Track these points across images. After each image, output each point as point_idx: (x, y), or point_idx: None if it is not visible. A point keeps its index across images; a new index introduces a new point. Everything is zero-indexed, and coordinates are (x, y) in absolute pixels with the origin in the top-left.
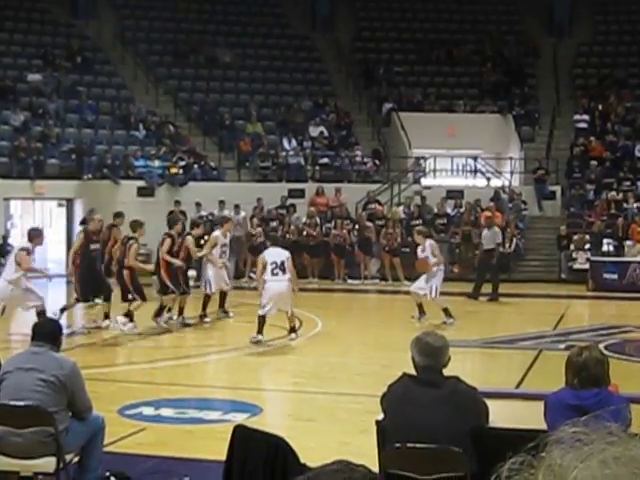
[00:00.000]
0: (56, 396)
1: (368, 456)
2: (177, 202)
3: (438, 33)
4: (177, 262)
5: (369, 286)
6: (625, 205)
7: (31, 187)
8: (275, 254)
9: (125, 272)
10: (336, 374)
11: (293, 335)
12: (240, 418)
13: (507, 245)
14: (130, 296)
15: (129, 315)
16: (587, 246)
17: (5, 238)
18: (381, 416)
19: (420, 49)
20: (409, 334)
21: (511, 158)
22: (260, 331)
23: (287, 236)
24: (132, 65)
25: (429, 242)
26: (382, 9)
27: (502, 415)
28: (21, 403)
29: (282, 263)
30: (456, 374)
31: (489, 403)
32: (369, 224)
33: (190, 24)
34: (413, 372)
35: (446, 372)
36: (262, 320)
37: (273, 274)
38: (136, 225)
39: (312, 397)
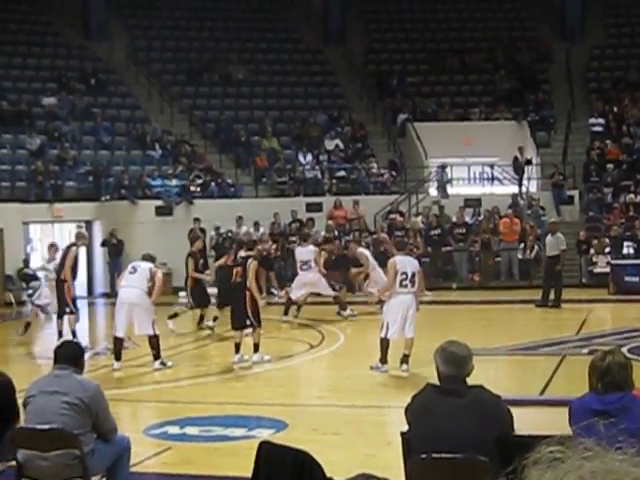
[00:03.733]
0: (81, 418)
1: (394, 468)
2: (196, 219)
3: (450, 42)
4: (205, 277)
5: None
6: None
7: (50, 210)
8: (407, 263)
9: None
10: (360, 387)
11: (405, 366)
12: (265, 434)
13: (527, 251)
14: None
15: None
16: (607, 250)
17: (26, 262)
18: (406, 427)
19: (433, 59)
20: (431, 345)
21: (528, 164)
22: (384, 358)
23: None
24: (146, 85)
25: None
26: (393, 20)
27: (527, 422)
28: (46, 426)
29: (413, 275)
30: (480, 382)
31: (514, 411)
32: (384, 236)
33: (203, 42)
34: (436, 383)
35: (470, 381)
36: (385, 344)
37: (402, 285)
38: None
39: (337, 411)
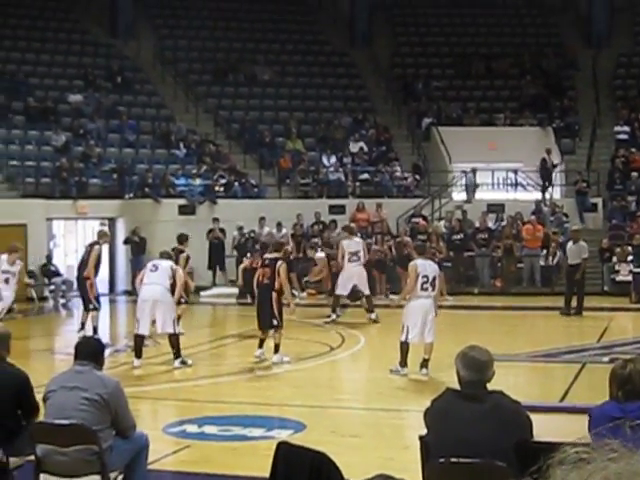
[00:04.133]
0: (100, 414)
1: (412, 471)
2: (215, 219)
3: (477, 47)
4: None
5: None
6: None
7: (73, 207)
8: (428, 267)
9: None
10: (379, 390)
11: (425, 370)
12: (284, 435)
13: (550, 258)
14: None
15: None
16: (630, 258)
17: (49, 258)
18: (424, 431)
19: (459, 63)
20: (451, 349)
21: (554, 166)
22: (404, 362)
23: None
24: (172, 84)
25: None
26: (420, 24)
27: (546, 429)
28: (65, 422)
29: (434, 279)
30: (500, 388)
31: (533, 417)
32: (407, 239)
33: (229, 42)
34: (456, 387)
35: (490, 386)
36: (405, 348)
37: (422, 289)
38: None
39: (355, 413)
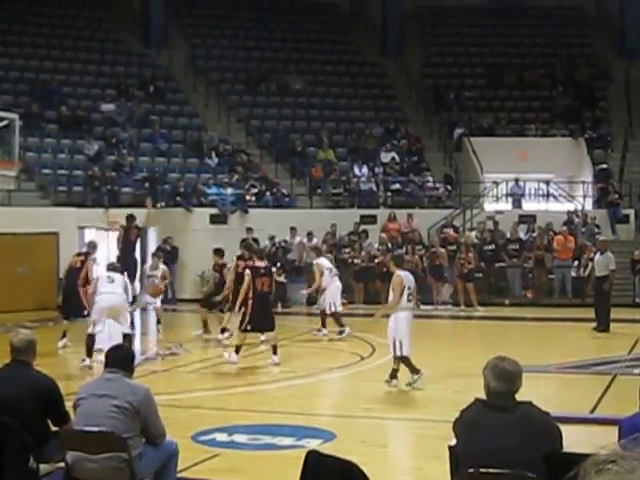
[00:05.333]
0: (130, 422)
1: None
2: (249, 229)
3: (508, 57)
4: None
5: (442, 312)
6: None
7: (105, 216)
8: (410, 279)
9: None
10: (409, 400)
11: (416, 376)
12: (313, 444)
13: (581, 269)
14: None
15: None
16: None
17: None
18: (454, 442)
19: (490, 73)
20: (481, 359)
21: (583, 182)
22: (414, 369)
23: (356, 262)
24: (204, 93)
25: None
26: (452, 34)
27: (576, 440)
28: (95, 429)
29: (414, 290)
30: (530, 399)
31: (563, 428)
32: (441, 250)
33: (261, 52)
34: (485, 397)
35: (519, 397)
36: (407, 360)
37: (408, 300)
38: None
39: (385, 423)
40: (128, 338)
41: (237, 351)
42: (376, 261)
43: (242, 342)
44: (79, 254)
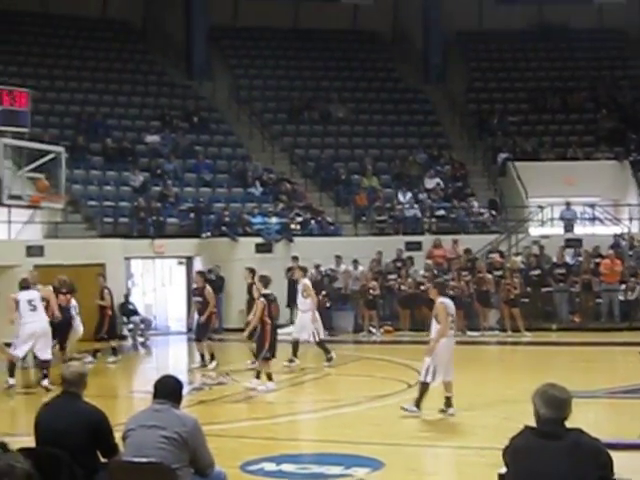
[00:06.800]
0: (178, 453)
1: None
2: (295, 258)
3: (551, 81)
4: None
5: (488, 338)
6: None
7: (151, 246)
8: (451, 306)
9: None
10: (457, 427)
11: (451, 410)
12: (362, 473)
13: (629, 293)
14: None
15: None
16: None
17: (127, 297)
18: (504, 469)
19: (534, 97)
20: (529, 386)
21: (629, 204)
22: (420, 402)
23: (402, 288)
24: (247, 123)
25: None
26: (494, 59)
27: (628, 467)
28: (144, 460)
29: (455, 317)
30: (579, 425)
31: (613, 455)
32: (488, 276)
33: (303, 81)
34: (534, 424)
35: (569, 423)
36: (425, 389)
37: (450, 328)
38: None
39: (434, 451)
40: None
41: (270, 378)
42: (422, 288)
43: (270, 369)
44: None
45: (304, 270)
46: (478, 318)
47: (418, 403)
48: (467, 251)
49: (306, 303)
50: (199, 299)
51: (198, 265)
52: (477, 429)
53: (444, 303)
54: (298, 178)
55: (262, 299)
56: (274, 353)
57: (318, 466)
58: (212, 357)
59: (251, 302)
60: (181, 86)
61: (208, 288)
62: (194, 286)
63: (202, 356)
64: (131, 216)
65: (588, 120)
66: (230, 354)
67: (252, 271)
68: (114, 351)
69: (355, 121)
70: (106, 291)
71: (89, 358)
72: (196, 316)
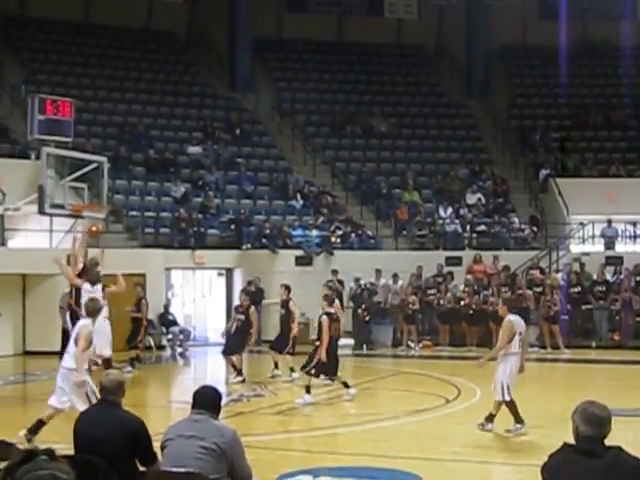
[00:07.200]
0: (217, 464)
1: None
2: (334, 271)
3: (594, 97)
4: None
5: (528, 354)
6: None
7: (192, 257)
8: (522, 324)
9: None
10: (495, 443)
11: (490, 426)
12: None
13: None
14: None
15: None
16: None
17: (167, 307)
18: None
19: (576, 114)
20: (569, 403)
21: None
22: (519, 418)
23: (442, 303)
24: (290, 136)
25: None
26: (537, 75)
27: None
28: (182, 470)
29: (525, 335)
30: (618, 443)
31: None
32: (528, 292)
33: (346, 95)
34: (573, 442)
35: (608, 442)
36: (514, 405)
37: (518, 346)
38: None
39: (472, 467)
40: None
41: (308, 391)
42: (462, 303)
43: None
44: None
45: (288, 288)
46: None
47: (517, 419)
48: (506, 268)
49: None
50: (241, 317)
51: (238, 277)
52: (516, 446)
53: (512, 321)
54: (339, 191)
55: (325, 317)
56: (335, 371)
57: (354, 479)
58: (239, 372)
59: (285, 318)
60: (224, 98)
61: (252, 308)
62: (238, 303)
63: (234, 367)
64: (172, 227)
65: (631, 137)
66: (268, 366)
67: (287, 288)
68: (132, 363)
69: (397, 135)
70: (143, 302)
71: (128, 368)
72: (225, 328)
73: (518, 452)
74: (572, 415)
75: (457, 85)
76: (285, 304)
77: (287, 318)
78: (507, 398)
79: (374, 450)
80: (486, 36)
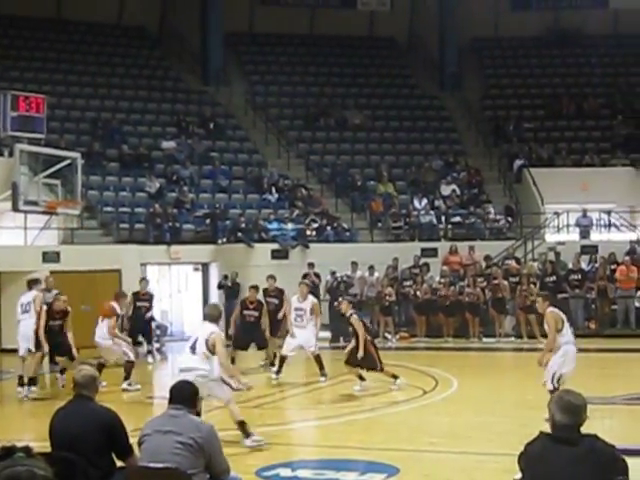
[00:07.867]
0: (194, 459)
1: None
2: (310, 264)
3: (567, 87)
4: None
5: (504, 344)
6: None
7: (167, 252)
8: (562, 314)
9: None
10: (473, 433)
11: None
12: (377, 479)
13: None
14: None
15: None
16: None
17: None
18: (519, 475)
19: (549, 104)
20: (545, 392)
21: None
22: None
23: (418, 295)
24: (263, 130)
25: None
26: (509, 66)
27: None
28: (160, 465)
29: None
30: (595, 431)
31: (629, 461)
32: (504, 282)
33: (320, 87)
34: (550, 430)
35: (584, 429)
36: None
37: (570, 334)
38: None
39: (449, 457)
40: None
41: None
42: (438, 294)
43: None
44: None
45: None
46: (494, 324)
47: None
48: (487, 258)
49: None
50: (254, 313)
51: (214, 271)
52: (493, 435)
53: (553, 312)
54: (314, 184)
55: (355, 316)
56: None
57: (334, 472)
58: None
59: (278, 308)
60: (197, 92)
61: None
62: (249, 300)
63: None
64: (147, 222)
65: (604, 126)
66: (244, 359)
67: (272, 277)
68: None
69: (371, 128)
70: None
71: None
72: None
73: (495, 442)
74: (548, 404)
75: (430, 77)
76: (280, 295)
77: (279, 308)
78: (551, 387)
79: (352, 442)
80: (458, 28)
